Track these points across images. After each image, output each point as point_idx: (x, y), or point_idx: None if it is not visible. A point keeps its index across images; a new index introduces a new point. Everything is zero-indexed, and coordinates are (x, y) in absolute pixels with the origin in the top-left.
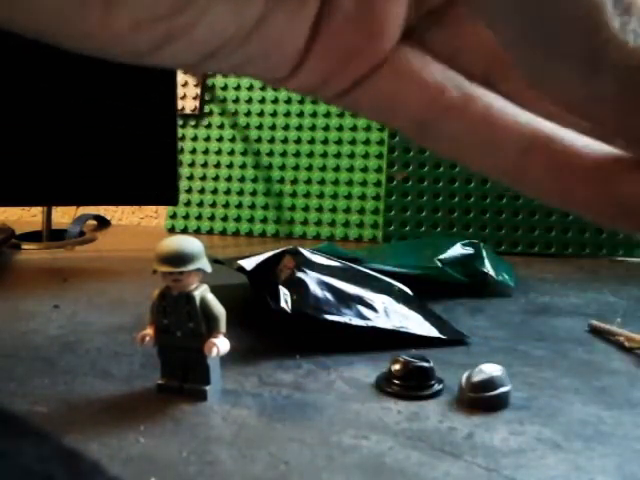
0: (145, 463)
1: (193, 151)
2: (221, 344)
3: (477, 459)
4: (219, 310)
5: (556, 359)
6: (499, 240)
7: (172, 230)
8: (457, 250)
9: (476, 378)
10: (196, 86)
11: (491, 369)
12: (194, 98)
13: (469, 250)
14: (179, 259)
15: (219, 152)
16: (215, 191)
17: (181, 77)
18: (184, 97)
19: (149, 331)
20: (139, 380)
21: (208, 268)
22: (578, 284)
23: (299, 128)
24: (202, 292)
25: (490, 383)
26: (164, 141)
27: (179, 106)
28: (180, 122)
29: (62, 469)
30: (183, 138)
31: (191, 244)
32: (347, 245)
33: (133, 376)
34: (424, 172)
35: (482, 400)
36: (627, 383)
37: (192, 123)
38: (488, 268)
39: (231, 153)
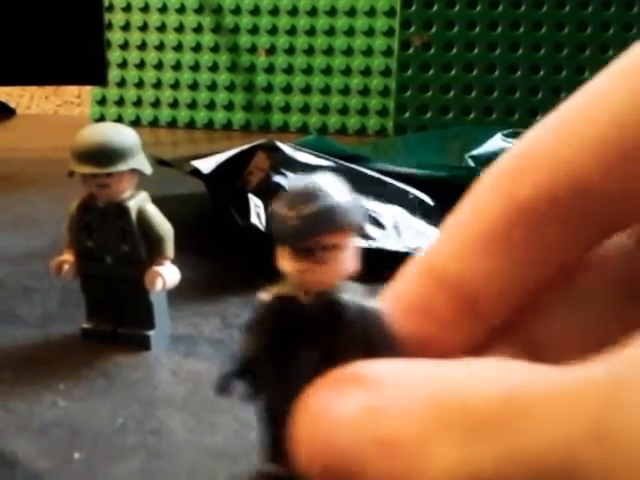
0: (65, 433)
1: (127, 8)
2: (168, 274)
3: None
4: (164, 227)
5: None
6: None
7: (101, 121)
8: (496, 143)
9: None
10: None
11: None
12: None
13: (512, 144)
14: (105, 156)
15: (164, 9)
16: (159, 65)
17: None
18: None
19: (67, 257)
20: (57, 324)
21: (147, 168)
22: None
23: None
24: (140, 202)
25: None
26: None
27: None
28: None
29: None
30: None
31: (121, 135)
32: (345, 140)
33: (49, 318)
34: (451, 34)
35: None
36: None
37: None
38: None
39: (181, 10)
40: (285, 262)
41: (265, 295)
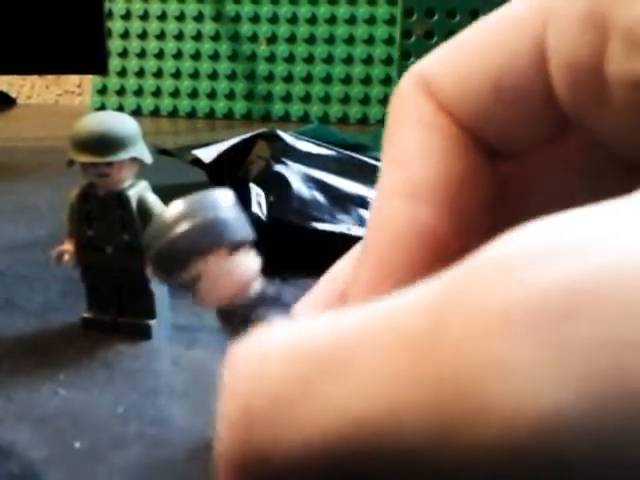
0: (66, 423)
1: None
2: None
3: None
4: None
5: None
6: None
7: (101, 110)
8: None
9: None
10: None
11: None
12: None
13: None
14: (105, 145)
15: None
16: (160, 55)
17: None
18: None
19: (68, 247)
20: (57, 313)
21: (147, 158)
22: None
23: None
24: (140, 191)
25: None
26: None
27: None
28: None
29: None
30: None
31: (122, 124)
32: (347, 129)
33: (49, 308)
34: (453, 23)
35: None
36: None
37: None
38: None
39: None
40: None
41: None
